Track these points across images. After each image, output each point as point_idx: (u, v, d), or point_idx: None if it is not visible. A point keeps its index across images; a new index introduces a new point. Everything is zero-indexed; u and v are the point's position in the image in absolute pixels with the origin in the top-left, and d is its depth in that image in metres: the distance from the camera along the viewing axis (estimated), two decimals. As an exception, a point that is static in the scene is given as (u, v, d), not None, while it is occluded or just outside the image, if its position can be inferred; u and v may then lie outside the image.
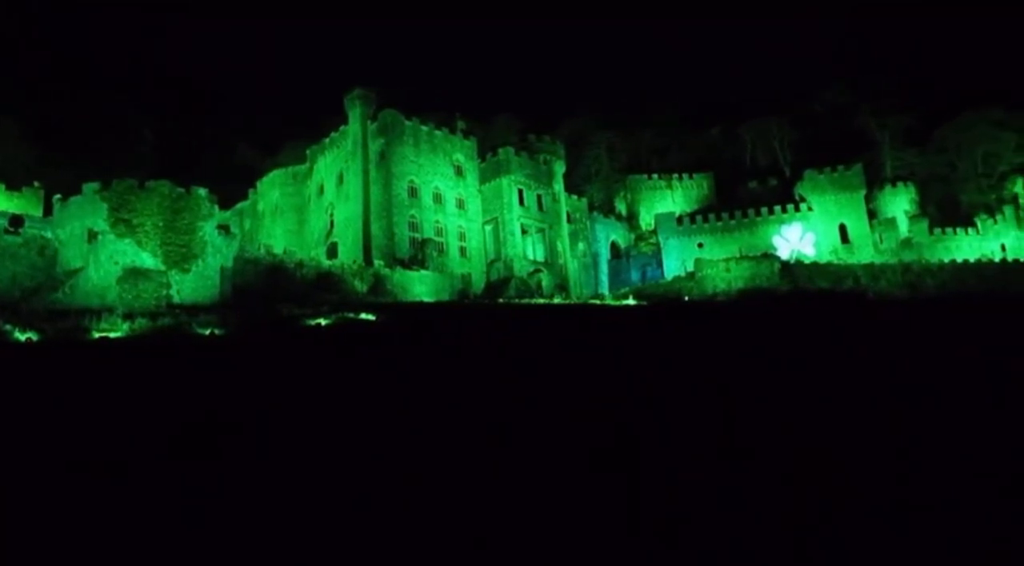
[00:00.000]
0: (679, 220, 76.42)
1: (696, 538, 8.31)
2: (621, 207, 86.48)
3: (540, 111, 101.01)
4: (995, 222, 74.56)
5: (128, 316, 29.98)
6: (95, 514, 9.15)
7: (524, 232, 63.19)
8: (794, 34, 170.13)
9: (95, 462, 11.29)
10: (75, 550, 8.08)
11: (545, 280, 59.56)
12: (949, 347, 23.76)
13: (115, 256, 36.48)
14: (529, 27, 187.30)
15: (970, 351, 22.50)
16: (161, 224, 37.93)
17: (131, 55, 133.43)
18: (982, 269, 59.13)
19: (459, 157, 65.27)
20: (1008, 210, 75.56)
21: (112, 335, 26.33)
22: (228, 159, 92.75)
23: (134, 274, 36.31)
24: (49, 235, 38.65)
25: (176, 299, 36.90)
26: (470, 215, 63.94)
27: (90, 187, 37.74)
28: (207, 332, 27.26)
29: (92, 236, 36.45)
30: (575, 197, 76.37)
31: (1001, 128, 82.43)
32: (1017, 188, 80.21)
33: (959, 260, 62.12)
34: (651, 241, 79.05)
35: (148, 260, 37.14)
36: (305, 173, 70.59)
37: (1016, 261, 61.78)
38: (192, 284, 38.19)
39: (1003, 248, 71.89)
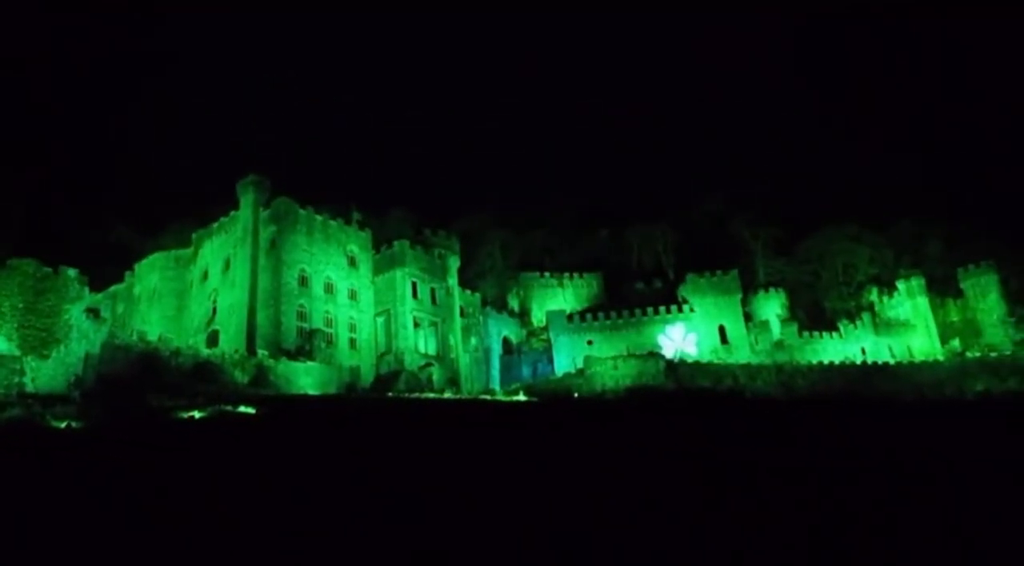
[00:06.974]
0: (570, 318, 78.15)
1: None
2: (514, 303, 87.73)
3: (435, 207, 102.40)
4: (855, 327, 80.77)
5: (-29, 406, 27.16)
6: None
7: (416, 325, 62.69)
8: (677, 145, 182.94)
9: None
10: None
11: (436, 374, 58.73)
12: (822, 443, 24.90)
13: (-37, 339, 33.29)
14: (424, 126, 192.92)
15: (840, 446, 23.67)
16: (21, 306, 35.09)
17: None
18: (846, 371, 63.55)
19: (353, 248, 64.74)
20: (866, 317, 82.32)
21: (-51, 427, 23.71)
22: (104, 239, 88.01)
23: (-17, 359, 33.11)
24: None
25: (30, 388, 33.77)
26: (362, 306, 62.93)
27: (-59, 263, 34.80)
28: (63, 425, 24.96)
29: (-62, 316, 33.27)
30: (469, 292, 76.86)
31: (856, 242, 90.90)
32: (872, 297, 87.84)
33: (825, 362, 66.42)
34: (542, 337, 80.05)
35: (2, 344, 34.06)
36: (189, 257, 67.72)
37: (875, 363, 66.73)
38: (50, 372, 35.16)
39: (863, 351, 77.52)
